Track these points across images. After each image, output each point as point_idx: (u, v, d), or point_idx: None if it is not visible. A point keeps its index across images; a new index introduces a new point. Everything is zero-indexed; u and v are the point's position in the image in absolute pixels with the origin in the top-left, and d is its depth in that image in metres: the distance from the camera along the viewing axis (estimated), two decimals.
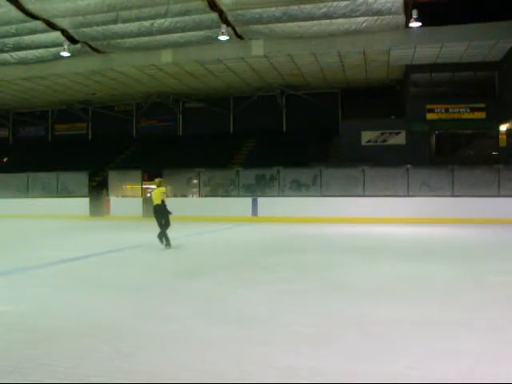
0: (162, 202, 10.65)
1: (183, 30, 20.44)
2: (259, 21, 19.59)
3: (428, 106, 24.15)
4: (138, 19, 19.72)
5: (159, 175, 24.09)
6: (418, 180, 19.76)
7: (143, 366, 3.34)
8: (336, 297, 5.61)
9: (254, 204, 20.54)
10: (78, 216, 22.17)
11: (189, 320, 4.61)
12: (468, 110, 23.88)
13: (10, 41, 21.94)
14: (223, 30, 19.51)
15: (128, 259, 9.21)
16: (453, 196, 18.99)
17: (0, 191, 24.32)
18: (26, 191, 24.66)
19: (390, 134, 24.90)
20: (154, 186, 12.21)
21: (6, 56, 23.39)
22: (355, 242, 12.30)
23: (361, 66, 24.16)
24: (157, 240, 10.51)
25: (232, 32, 20.27)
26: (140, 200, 22.75)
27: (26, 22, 20.11)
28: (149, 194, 12.84)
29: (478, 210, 17.88)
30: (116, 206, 22.77)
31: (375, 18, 19.01)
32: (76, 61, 23.38)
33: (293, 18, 19.25)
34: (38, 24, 20.32)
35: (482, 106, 23.69)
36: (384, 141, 24.93)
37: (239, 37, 21.04)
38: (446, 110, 24.08)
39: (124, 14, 19.37)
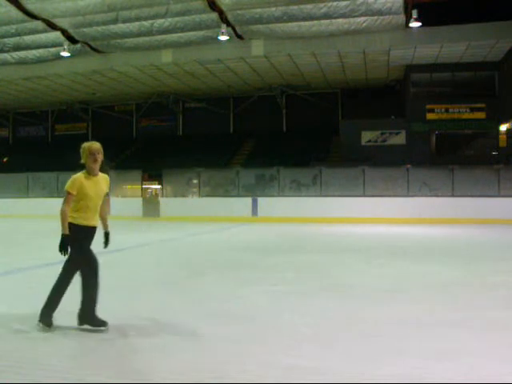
0: None
1: (183, 30, 20.45)
2: (259, 21, 19.61)
3: (428, 106, 24.16)
4: (137, 19, 19.75)
5: (159, 175, 24.24)
6: (418, 180, 19.76)
7: (143, 367, 3.34)
8: (336, 297, 5.61)
9: (254, 204, 20.54)
10: None
11: (189, 320, 4.61)
12: (468, 110, 23.88)
13: (10, 41, 21.97)
14: (223, 30, 19.54)
15: (128, 259, 9.20)
16: (453, 196, 18.99)
17: (0, 191, 24.31)
18: (26, 191, 24.64)
19: (390, 134, 24.89)
20: None
21: (6, 56, 23.40)
22: (355, 242, 12.30)
23: (361, 65, 24.16)
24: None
25: (232, 32, 20.29)
26: (140, 200, 22.77)
27: (25, 21, 20.14)
28: None
29: (478, 209, 17.87)
30: (116, 205, 22.76)
31: (375, 17, 19.03)
32: (76, 61, 23.40)
33: (293, 18, 19.27)
34: (38, 24, 20.35)
35: (482, 105, 23.70)
36: (384, 141, 24.93)
37: (239, 37, 21.05)
38: (446, 110, 24.09)
39: (124, 13, 19.40)
